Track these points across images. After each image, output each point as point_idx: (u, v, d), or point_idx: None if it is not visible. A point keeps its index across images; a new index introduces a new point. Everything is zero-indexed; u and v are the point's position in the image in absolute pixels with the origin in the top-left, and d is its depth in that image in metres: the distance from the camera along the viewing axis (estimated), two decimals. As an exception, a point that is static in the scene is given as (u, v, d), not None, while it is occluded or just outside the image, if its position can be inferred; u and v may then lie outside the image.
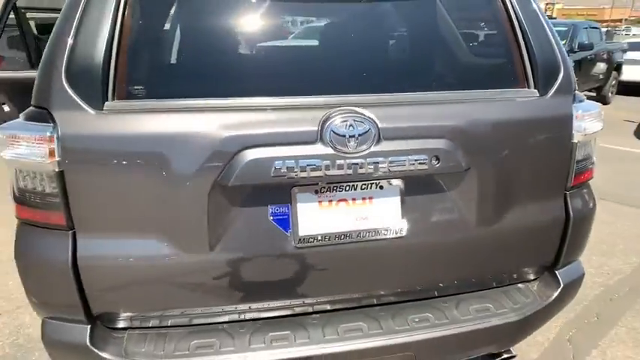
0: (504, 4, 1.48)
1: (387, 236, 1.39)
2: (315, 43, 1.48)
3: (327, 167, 1.25)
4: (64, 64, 1.23)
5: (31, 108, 1.30)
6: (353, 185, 1.36)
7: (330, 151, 1.26)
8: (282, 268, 1.37)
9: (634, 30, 34.63)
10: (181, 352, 1.34)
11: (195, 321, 1.43)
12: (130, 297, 1.35)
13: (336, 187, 1.35)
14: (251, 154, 1.22)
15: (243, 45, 1.42)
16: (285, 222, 1.33)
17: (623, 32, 29.11)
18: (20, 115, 1.31)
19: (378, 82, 1.41)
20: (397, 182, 1.37)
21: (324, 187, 1.34)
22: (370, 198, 1.38)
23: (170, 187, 1.25)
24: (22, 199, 1.31)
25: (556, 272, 1.63)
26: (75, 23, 1.25)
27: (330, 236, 1.35)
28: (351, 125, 1.26)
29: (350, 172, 1.27)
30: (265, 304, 1.43)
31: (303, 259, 1.36)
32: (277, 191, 1.31)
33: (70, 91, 1.22)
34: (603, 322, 2.66)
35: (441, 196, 1.42)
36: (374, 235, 1.38)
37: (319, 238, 1.35)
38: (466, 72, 1.50)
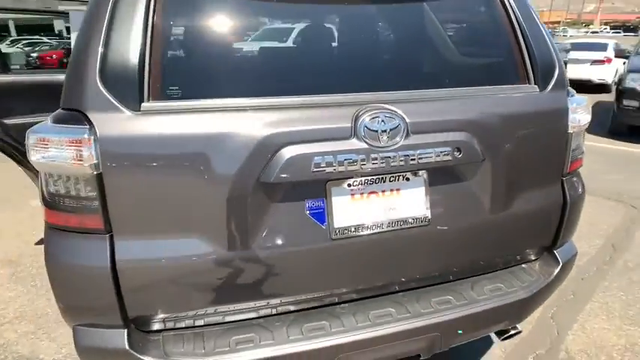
0: (506, 10, 1.61)
1: (414, 225, 1.47)
2: (342, 42, 1.54)
3: (363, 161, 1.32)
4: (97, 65, 1.22)
5: (59, 110, 1.27)
6: (382, 178, 1.43)
7: (364, 145, 1.32)
8: (319, 260, 1.42)
9: (570, 31, 37.18)
10: (222, 348, 1.36)
11: (229, 318, 1.45)
12: (166, 298, 1.35)
13: (367, 180, 1.41)
14: (292, 151, 1.27)
15: (277, 44, 1.45)
16: (321, 215, 1.39)
17: (561, 33, 31.18)
18: (48, 117, 1.28)
19: (402, 79, 1.49)
20: (422, 173, 1.46)
21: (357, 181, 1.40)
22: (398, 189, 1.46)
23: (211, 186, 1.26)
24: (52, 203, 1.28)
25: (555, 252, 1.79)
26: (105, 23, 1.24)
27: (362, 227, 1.42)
28: (382, 121, 1.33)
29: (383, 165, 1.34)
30: (300, 297, 1.47)
31: (338, 251, 1.42)
32: (313, 186, 1.36)
33: (105, 92, 1.21)
34: (579, 300, 2.91)
35: (460, 186, 1.52)
36: (402, 225, 1.46)
37: (352, 229, 1.41)
38: (477, 69, 1.62)
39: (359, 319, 1.49)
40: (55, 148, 1.21)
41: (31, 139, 1.23)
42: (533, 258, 1.81)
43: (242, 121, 1.27)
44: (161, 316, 1.38)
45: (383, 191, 1.44)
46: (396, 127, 1.34)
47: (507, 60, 1.60)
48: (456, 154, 1.41)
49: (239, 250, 1.33)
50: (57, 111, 1.28)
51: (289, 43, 1.46)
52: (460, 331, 1.55)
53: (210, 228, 1.30)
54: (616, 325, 2.66)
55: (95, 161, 1.20)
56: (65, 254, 1.28)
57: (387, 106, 1.36)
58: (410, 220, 1.47)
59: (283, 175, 1.27)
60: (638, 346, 2.47)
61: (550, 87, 1.62)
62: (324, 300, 1.52)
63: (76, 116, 1.22)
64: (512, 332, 1.78)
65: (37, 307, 2.90)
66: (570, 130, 1.64)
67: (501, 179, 1.55)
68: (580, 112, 1.66)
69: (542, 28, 1.63)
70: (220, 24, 1.38)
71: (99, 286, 1.27)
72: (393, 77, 1.51)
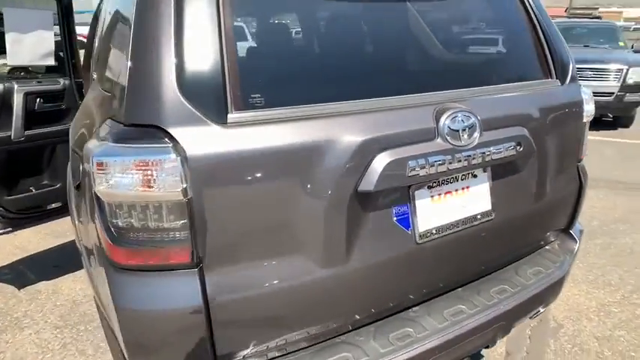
0: (527, 11, 1.71)
1: (481, 220, 1.50)
2: (411, 40, 1.50)
3: (450, 161, 1.30)
4: (174, 74, 1.03)
5: (123, 128, 1.06)
6: (455, 177, 1.43)
7: (449, 145, 1.31)
8: (404, 266, 1.38)
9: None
10: None
11: (311, 341, 1.35)
12: (257, 329, 1.21)
13: (445, 180, 1.41)
14: (389, 156, 1.21)
15: (355, 45, 1.37)
16: (406, 220, 1.35)
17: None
18: (105, 136, 1.06)
19: (463, 77, 1.51)
20: (487, 169, 1.49)
21: (436, 182, 1.38)
22: (467, 187, 1.47)
23: (306, 201, 1.16)
24: (122, 240, 1.06)
25: (570, 231, 1.95)
26: (173, 27, 1.06)
27: (441, 228, 1.41)
28: (461, 119, 1.33)
29: (465, 164, 1.34)
30: (381, 307, 1.42)
31: (422, 255, 1.39)
32: (399, 191, 1.31)
33: (188, 104, 1.04)
34: (545, 271, 3.23)
35: (514, 179, 1.59)
36: (472, 222, 1.48)
37: (434, 231, 1.39)
38: (513, 66, 1.70)
39: (437, 321, 1.47)
40: (130, 172, 1.00)
41: (93, 163, 1.00)
42: (552, 239, 1.96)
43: (335, 128, 1.17)
44: (247, 350, 1.23)
45: (456, 190, 1.45)
46: (472, 125, 1.35)
47: (535, 57, 1.71)
48: (518, 148, 1.46)
49: (336, 266, 1.24)
50: (117, 128, 1.06)
51: (366, 43, 1.40)
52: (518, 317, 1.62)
53: (307, 247, 1.19)
54: (583, 289, 3.00)
55: (184, 185, 1.02)
56: (144, 299, 1.07)
57: (461, 104, 1.36)
58: (478, 217, 1.49)
59: (383, 183, 1.20)
60: (607, 306, 2.83)
61: (568, 80, 1.76)
62: (398, 306, 1.49)
63: (155, 133, 1.02)
64: (542, 310, 1.91)
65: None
66: (584, 120, 1.80)
67: (543, 169, 1.65)
68: (590, 103, 1.83)
69: (556, 29, 1.77)
70: (299, 27, 1.25)
71: (189, 330, 1.09)
72: (457, 75, 1.52)
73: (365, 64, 1.35)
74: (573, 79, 1.78)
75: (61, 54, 2.82)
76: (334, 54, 1.32)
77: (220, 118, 1.07)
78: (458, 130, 1.32)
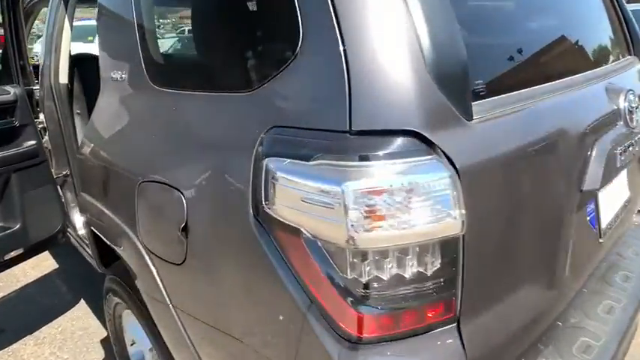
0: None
1: (626, 208, 1.40)
2: (579, 19, 1.33)
3: (634, 145, 1.17)
4: (422, 59, 0.72)
5: (347, 137, 0.70)
6: None
7: (629, 129, 1.18)
8: (586, 270, 1.22)
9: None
10: None
11: None
12: None
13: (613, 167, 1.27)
14: (605, 146, 1.03)
15: (551, 22, 1.14)
16: (594, 218, 1.18)
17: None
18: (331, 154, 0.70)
19: (605, 54, 1.39)
20: None
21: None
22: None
23: (549, 210, 0.94)
24: (367, 303, 0.72)
25: None
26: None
27: (612, 222, 1.28)
28: (631, 99, 1.21)
29: (638, 147, 1.22)
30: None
31: (601, 254, 1.24)
32: None
33: (445, 99, 0.73)
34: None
35: (633, 160, 1.52)
36: (623, 210, 1.37)
37: (608, 226, 1.25)
38: (614, 44, 1.63)
39: (600, 322, 1.34)
40: (389, 201, 0.67)
41: (347, 197, 0.65)
42: None
43: (559, 116, 0.97)
44: None
45: (615, 178, 1.32)
46: (638, 106, 1.24)
47: (620, 35, 1.67)
48: None
49: (560, 286, 1.03)
50: (341, 139, 0.71)
51: (559, 21, 1.19)
52: None
53: (543, 267, 0.96)
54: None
55: (459, 212, 0.72)
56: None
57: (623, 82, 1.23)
58: (625, 204, 1.39)
59: (606, 178, 1.02)
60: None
61: None
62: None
63: (413, 141, 0.70)
64: None
65: None
66: (650, 95, 1.82)
67: None
68: None
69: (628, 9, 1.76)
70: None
71: None
72: (600, 52, 1.39)
73: (561, 43, 1.16)
74: None
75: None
76: (541, 33, 1.10)
77: (467, 114, 0.78)
78: (632, 111, 1.20)
